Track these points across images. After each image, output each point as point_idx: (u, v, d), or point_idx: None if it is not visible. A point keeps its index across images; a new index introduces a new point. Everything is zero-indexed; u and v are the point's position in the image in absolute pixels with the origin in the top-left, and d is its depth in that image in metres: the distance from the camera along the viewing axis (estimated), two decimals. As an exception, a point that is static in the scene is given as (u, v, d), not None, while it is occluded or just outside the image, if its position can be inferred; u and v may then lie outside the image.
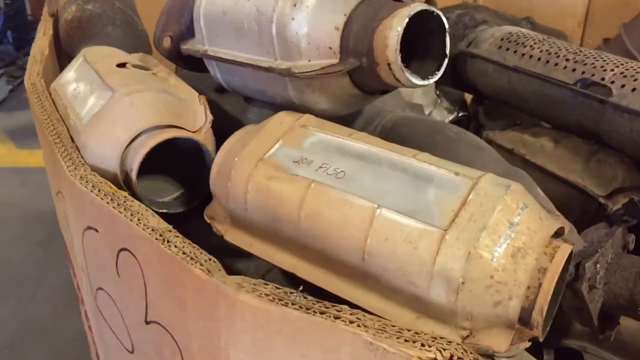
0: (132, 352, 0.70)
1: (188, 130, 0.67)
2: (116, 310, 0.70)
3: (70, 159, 0.68)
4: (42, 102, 0.79)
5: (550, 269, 0.49)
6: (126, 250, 0.62)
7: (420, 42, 0.57)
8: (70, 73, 0.80)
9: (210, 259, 0.54)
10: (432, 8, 0.56)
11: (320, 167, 0.56)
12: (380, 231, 0.51)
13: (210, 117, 0.68)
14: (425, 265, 0.49)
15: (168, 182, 0.72)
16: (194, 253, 0.55)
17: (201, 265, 0.53)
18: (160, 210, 0.67)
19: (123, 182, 0.66)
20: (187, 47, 0.73)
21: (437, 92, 1.14)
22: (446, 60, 0.57)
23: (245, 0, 0.63)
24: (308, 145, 0.58)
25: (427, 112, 1.12)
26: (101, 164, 0.66)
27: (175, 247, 0.55)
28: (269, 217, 0.57)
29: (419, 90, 1.13)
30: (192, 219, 0.69)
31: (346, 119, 0.69)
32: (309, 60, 0.59)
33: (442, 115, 1.12)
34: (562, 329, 0.74)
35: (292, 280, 0.58)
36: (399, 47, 0.53)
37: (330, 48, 0.58)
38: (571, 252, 0.52)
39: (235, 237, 0.61)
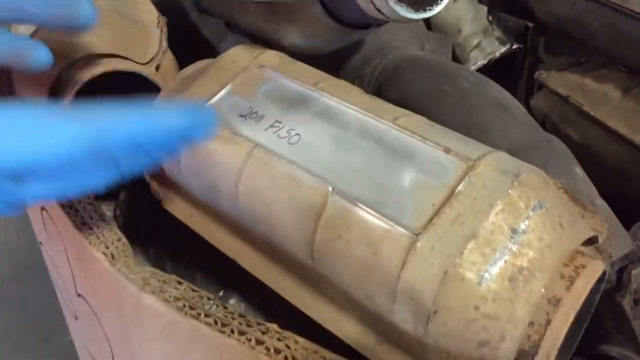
0: (77, 320, 0.60)
1: (136, 62, 0.53)
2: (56, 272, 0.59)
3: None
4: None
5: (567, 300, 0.34)
6: (44, 209, 0.50)
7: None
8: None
9: (119, 240, 0.42)
10: None
11: (271, 125, 0.42)
12: (333, 224, 0.37)
13: (165, 46, 0.54)
14: (387, 280, 0.35)
15: None
16: (101, 229, 0.42)
17: (106, 247, 0.41)
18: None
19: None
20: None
21: (490, 18, 0.95)
22: (455, -15, 0.40)
23: None
24: (262, 93, 0.44)
25: (474, 42, 0.94)
26: (29, 97, 0.54)
27: (79, 211, 0.43)
28: (205, 186, 0.44)
29: (468, 15, 0.95)
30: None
31: (340, 57, 0.54)
32: (270, -22, 0.43)
33: (493, 46, 0.93)
34: (599, 331, 0.59)
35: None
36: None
37: (296, -38, 0.42)
38: (603, 272, 0.37)
39: (174, 205, 0.48)
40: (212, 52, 0.61)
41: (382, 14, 0.39)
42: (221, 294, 0.39)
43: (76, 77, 0.51)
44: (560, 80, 0.77)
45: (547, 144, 0.46)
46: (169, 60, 0.56)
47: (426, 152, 0.37)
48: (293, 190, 0.38)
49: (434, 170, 0.36)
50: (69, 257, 0.49)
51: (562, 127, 0.75)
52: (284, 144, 0.40)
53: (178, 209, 0.48)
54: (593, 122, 0.71)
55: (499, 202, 0.34)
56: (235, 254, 0.44)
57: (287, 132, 0.41)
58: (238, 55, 0.47)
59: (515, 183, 0.35)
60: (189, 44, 0.63)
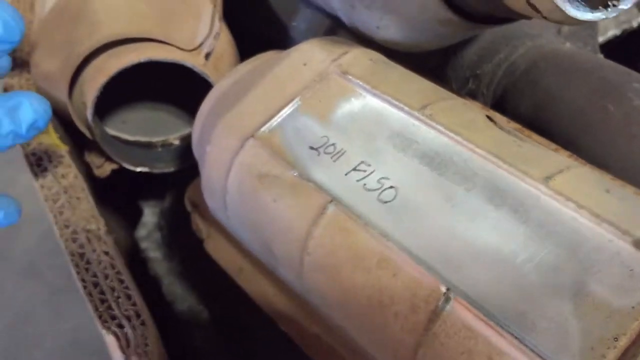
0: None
1: (180, 48, 0.41)
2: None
3: (19, 76, 0.45)
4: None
5: None
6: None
7: None
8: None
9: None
10: None
11: (355, 168, 0.29)
12: (447, 345, 0.24)
13: (216, 28, 0.42)
14: None
15: (177, 115, 0.48)
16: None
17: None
18: (134, 169, 0.44)
19: (80, 117, 0.43)
20: None
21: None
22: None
23: None
24: (344, 116, 0.30)
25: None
26: (49, 87, 0.43)
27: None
28: (258, 244, 0.32)
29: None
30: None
31: (449, 49, 0.40)
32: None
33: (629, 13, 0.76)
34: None
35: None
36: None
37: None
38: None
39: (220, 251, 0.36)
40: (278, 31, 0.47)
41: (537, 11, 0.25)
42: None
43: (105, 66, 0.39)
44: None
45: None
46: (224, 43, 0.44)
47: (602, 243, 0.23)
48: (385, 280, 0.25)
49: (618, 279, 0.22)
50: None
51: None
52: (372, 202, 0.27)
53: (224, 257, 0.36)
54: None
55: None
56: (300, 338, 0.32)
57: (378, 181, 0.28)
58: (312, 53, 0.33)
59: None
60: (250, 20, 0.50)
